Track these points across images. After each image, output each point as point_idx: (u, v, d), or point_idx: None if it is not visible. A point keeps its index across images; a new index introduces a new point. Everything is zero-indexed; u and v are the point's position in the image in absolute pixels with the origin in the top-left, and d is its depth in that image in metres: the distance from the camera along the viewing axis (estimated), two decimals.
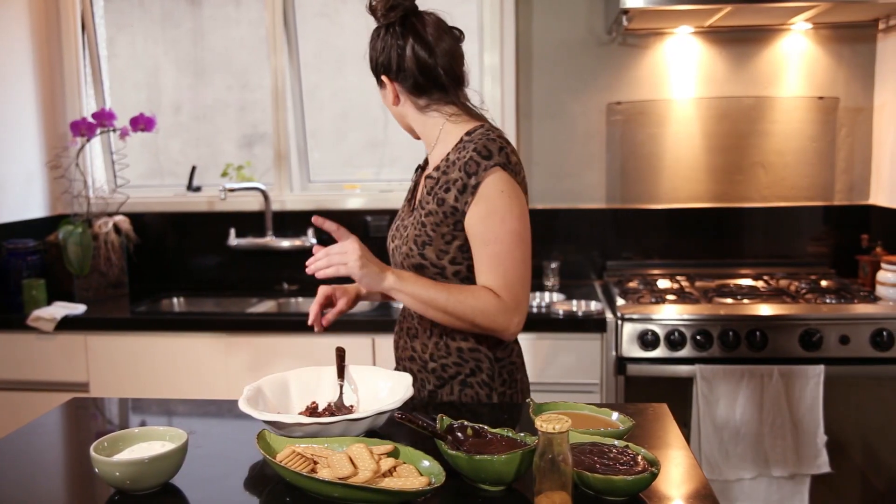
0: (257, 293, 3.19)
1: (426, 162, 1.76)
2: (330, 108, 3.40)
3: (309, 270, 1.52)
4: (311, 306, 1.73)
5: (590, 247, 3.16)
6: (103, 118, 3.05)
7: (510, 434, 1.26)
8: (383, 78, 1.63)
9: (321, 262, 1.51)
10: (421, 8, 1.63)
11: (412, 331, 1.69)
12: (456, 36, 1.63)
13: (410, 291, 1.53)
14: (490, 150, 1.54)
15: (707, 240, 3.11)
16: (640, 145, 3.09)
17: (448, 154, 1.60)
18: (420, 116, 1.66)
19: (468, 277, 1.60)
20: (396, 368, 1.76)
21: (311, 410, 1.50)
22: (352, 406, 1.54)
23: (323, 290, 1.75)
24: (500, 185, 1.53)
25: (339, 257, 1.49)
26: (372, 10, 1.61)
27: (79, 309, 2.82)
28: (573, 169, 3.14)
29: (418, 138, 1.72)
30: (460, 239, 1.57)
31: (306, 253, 3.21)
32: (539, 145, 3.15)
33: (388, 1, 1.58)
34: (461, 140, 1.60)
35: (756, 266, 3.07)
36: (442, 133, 1.65)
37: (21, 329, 2.75)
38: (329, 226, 1.53)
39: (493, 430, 1.27)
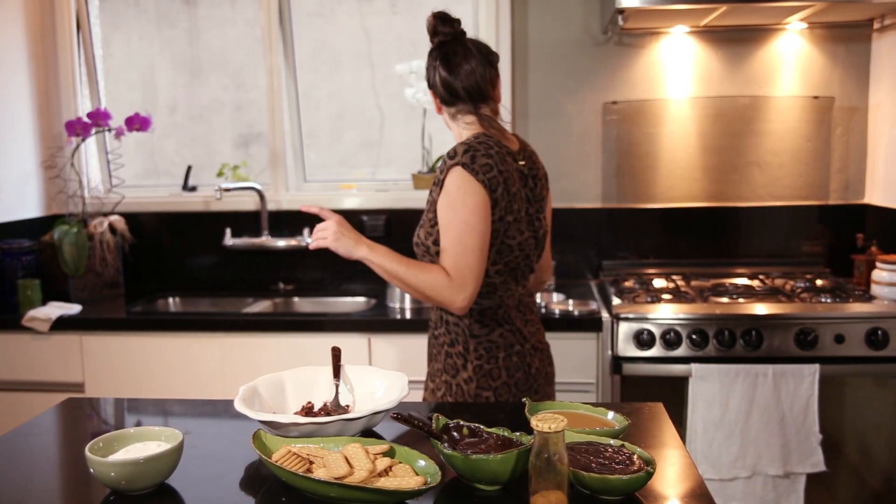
0: (253, 293, 3.19)
1: None
2: (326, 108, 3.40)
3: (311, 247, 1.90)
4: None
5: (586, 246, 3.17)
6: (98, 118, 3.04)
7: (506, 433, 1.26)
8: (429, 90, 1.97)
9: (311, 239, 1.90)
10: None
11: (426, 304, 2.01)
12: (486, 60, 1.92)
13: (378, 262, 1.85)
14: (457, 152, 1.82)
15: (703, 239, 3.12)
16: (636, 145, 3.10)
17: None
18: (451, 122, 1.97)
19: None
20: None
21: (307, 410, 1.50)
22: (347, 406, 1.54)
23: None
24: (458, 181, 1.79)
25: (321, 233, 1.88)
26: (430, 34, 1.97)
27: (74, 309, 2.81)
28: (569, 168, 3.15)
29: None
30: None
31: (302, 253, 3.22)
32: (535, 145, 3.13)
33: (431, 30, 1.93)
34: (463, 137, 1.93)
35: (751, 265, 3.08)
36: (459, 137, 1.95)
37: (16, 329, 2.74)
38: (313, 210, 1.94)
39: (489, 430, 1.27)
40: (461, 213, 1.78)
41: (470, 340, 1.89)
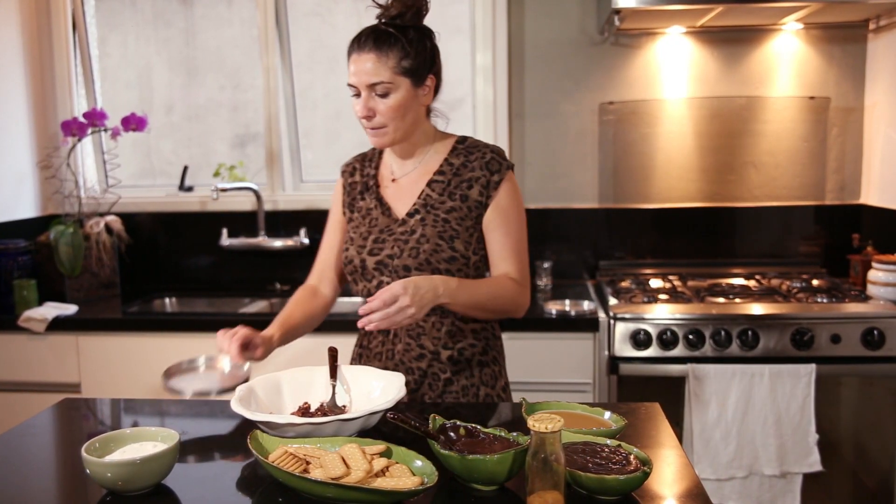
0: (249, 293, 3.18)
1: (369, 172, 1.87)
2: (322, 108, 3.40)
3: (370, 327, 1.52)
4: (231, 344, 1.59)
5: (582, 246, 3.17)
6: (94, 118, 3.04)
7: (503, 433, 1.26)
8: (431, 77, 1.72)
9: (380, 320, 1.51)
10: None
11: (416, 330, 1.74)
12: None
13: (462, 302, 1.62)
14: (503, 154, 1.78)
15: (699, 239, 3.12)
16: (632, 145, 3.10)
17: (446, 159, 1.77)
18: (424, 121, 1.78)
19: (483, 265, 1.78)
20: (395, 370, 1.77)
21: (304, 411, 1.50)
22: (344, 406, 1.54)
23: (244, 334, 1.62)
24: (515, 183, 1.77)
25: (400, 315, 1.51)
26: (408, 7, 1.70)
27: (70, 309, 2.81)
28: (565, 169, 3.15)
29: (386, 145, 1.74)
30: (479, 230, 1.75)
31: (298, 252, 3.22)
32: (531, 145, 3.15)
33: (416, 3, 1.70)
34: (455, 148, 1.79)
35: (748, 265, 3.08)
36: (434, 140, 1.80)
37: (12, 330, 2.74)
38: (374, 305, 1.51)
39: (486, 430, 1.27)
40: (522, 214, 1.77)
41: (495, 343, 1.83)
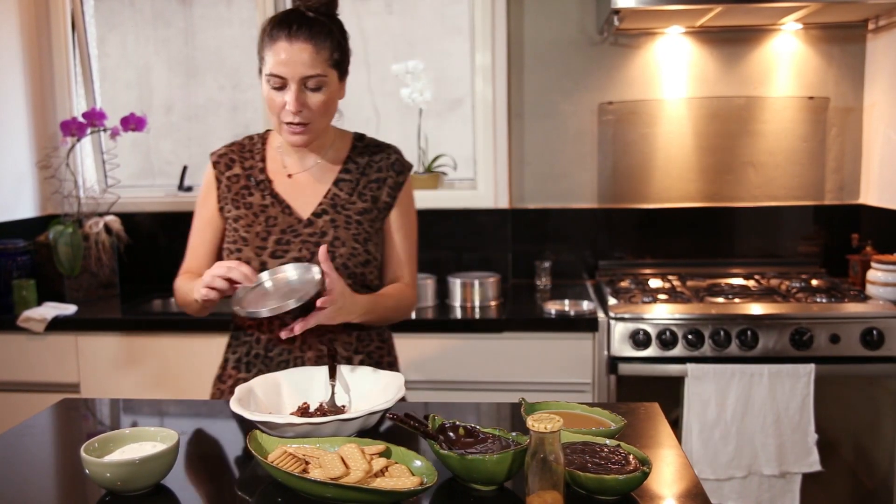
0: None
1: (258, 169, 1.74)
2: None
3: (298, 330, 1.52)
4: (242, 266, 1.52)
5: (581, 246, 3.17)
6: (94, 118, 3.03)
7: (502, 433, 1.26)
8: (343, 70, 1.64)
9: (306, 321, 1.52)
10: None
11: (328, 335, 1.69)
12: None
13: (370, 320, 1.65)
14: (402, 154, 1.76)
15: (698, 239, 3.12)
16: (631, 145, 3.10)
17: (350, 157, 1.72)
18: (335, 115, 1.69)
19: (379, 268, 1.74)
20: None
21: (303, 411, 1.50)
22: (343, 406, 1.54)
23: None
24: (412, 188, 1.77)
25: (324, 312, 1.52)
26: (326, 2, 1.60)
27: (69, 309, 2.81)
28: (565, 169, 3.15)
29: (307, 144, 1.65)
30: (382, 232, 1.73)
31: None
32: (531, 145, 3.15)
33: None
34: (355, 146, 1.74)
35: (747, 265, 3.08)
36: (334, 137, 1.74)
37: (11, 330, 2.74)
38: (325, 262, 1.52)
39: (485, 430, 1.27)
40: (416, 217, 1.78)
41: (392, 343, 1.84)
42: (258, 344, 1.71)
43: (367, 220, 1.68)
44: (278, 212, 1.68)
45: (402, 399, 1.58)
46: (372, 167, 1.72)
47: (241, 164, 1.73)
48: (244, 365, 1.72)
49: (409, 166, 1.75)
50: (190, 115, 3.45)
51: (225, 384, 1.75)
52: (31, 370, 2.76)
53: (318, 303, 1.50)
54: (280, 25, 1.55)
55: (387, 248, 1.74)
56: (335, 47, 1.58)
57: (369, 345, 1.74)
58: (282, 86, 1.56)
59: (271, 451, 1.24)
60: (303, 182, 1.71)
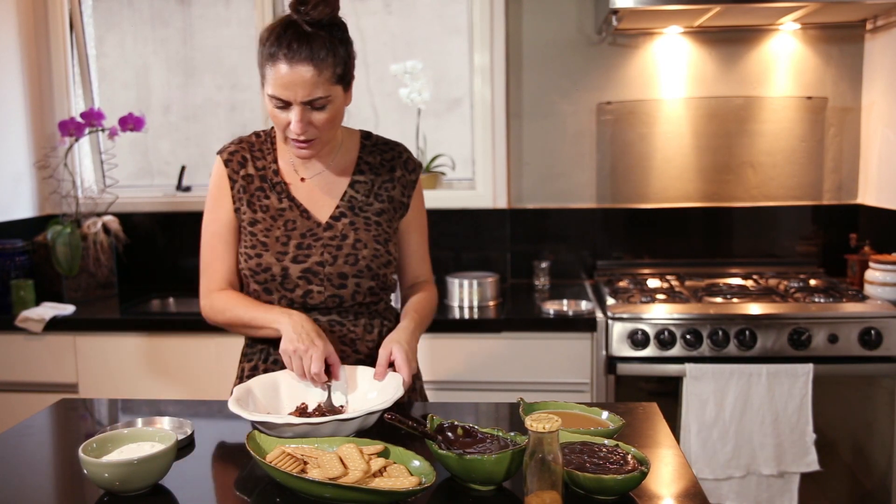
0: None
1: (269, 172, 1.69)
2: None
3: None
4: (315, 364, 1.49)
5: (580, 246, 3.17)
6: (92, 118, 3.03)
7: (500, 433, 1.26)
8: (348, 80, 1.57)
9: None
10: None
11: (349, 335, 1.67)
12: None
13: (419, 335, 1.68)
14: (411, 151, 1.76)
15: (697, 239, 3.12)
16: (630, 145, 3.10)
17: (361, 157, 1.70)
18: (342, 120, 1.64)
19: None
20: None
21: (301, 411, 1.50)
22: (341, 406, 1.54)
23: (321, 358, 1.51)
24: (422, 183, 1.79)
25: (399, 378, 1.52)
26: (326, 2, 1.50)
27: (67, 309, 2.81)
28: (563, 169, 3.15)
29: (313, 156, 1.60)
30: (398, 232, 1.73)
31: None
32: (529, 145, 3.15)
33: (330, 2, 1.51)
34: (363, 145, 1.71)
35: (745, 265, 3.09)
36: (343, 138, 1.70)
37: (9, 330, 2.73)
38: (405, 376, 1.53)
39: (484, 430, 1.27)
40: (426, 216, 1.80)
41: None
42: (276, 351, 1.63)
43: (385, 220, 1.67)
44: (297, 215, 1.64)
45: (401, 399, 1.58)
46: (384, 167, 1.70)
47: (254, 163, 1.68)
48: (261, 373, 1.68)
49: (419, 164, 1.76)
50: (188, 115, 3.44)
51: None
52: (30, 370, 2.76)
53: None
54: (279, 43, 1.47)
55: (404, 246, 1.75)
56: (338, 63, 1.50)
57: (376, 338, 1.73)
58: (283, 105, 1.51)
59: (270, 452, 1.24)
60: (316, 185, 1.67)
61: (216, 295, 1.71)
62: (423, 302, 1.74)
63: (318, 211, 1.65)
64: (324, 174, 1.68)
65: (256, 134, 1.72)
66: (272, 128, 1.72)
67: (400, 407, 1.61)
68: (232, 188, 1.67)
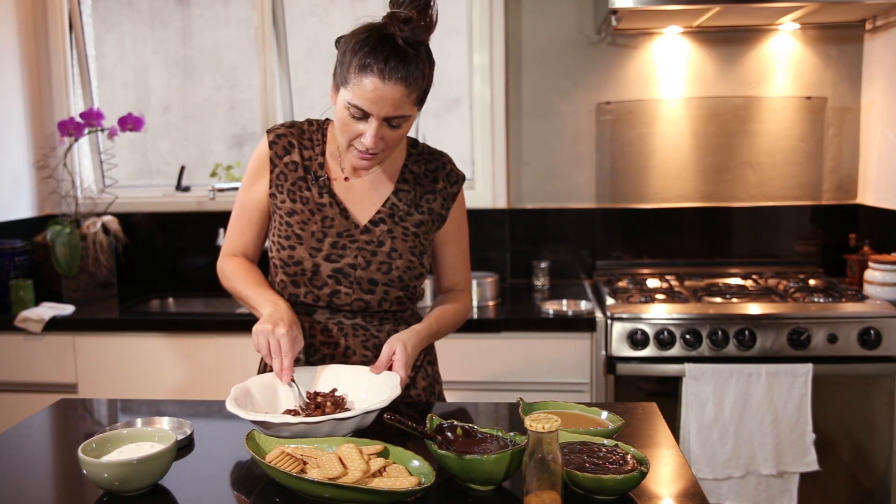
0: None
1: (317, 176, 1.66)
2: (319, 108, 3.39)
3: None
4: (283, 358, 1.48)
5: (579, 246, 3.17)
6: (91, 118, 3.03)
7: (500, 433, 1.26)
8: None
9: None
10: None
11: (372, 340, 1.67)
12: None
13: (431, 342, 1.72)
14: (455, 163, 1.72)
15: (696, 239, 3.12)
16: (629, 145, 3.10)
17: (406, 166, 1.67)
18: None
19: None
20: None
21: (296, 411, 1.49)
22: (318, 395, 1.51)
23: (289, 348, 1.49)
24: (463, 192, 1.75)
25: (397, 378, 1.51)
26: (427, 25, 1.46)
27: (67, 310, 2.80)
28: (563, 169, 3.15)
29: (364, 163, 1.56)
30: (433, 244, 1.71)
31: None
32: (528, 145, 3.15)
33: (428, 15, 1.45)
34: (409, 153, 1.69)
35: (745, 265, 3.09)
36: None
37: (9, 330, 2.73)
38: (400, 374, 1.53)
39: (483, 430, 1.27)
40: (467, 225, 1.78)
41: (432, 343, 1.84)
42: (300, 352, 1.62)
43: (422, 232, 1.65)
44: (336, 213, 1.62)
45: (399, 399, 1.57)
46: (427, 177, 1.67)
47: (300, 152, 1.65)
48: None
49: (462, 177, 1.72)
50: (187, 115, 3.44)
51: None
52: (29, 370, 2.76)
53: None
54: (374, 55, 1.43)
55: (439, 255, 1.74)
56: (425, 85, 1.50)
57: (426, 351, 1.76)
58: (363, 116, 1.48)
59: (269, 452, 1.24)
60: (360, 187, 1.65)
61: (229, 259, 1.70)
62: (450, 312, 1.72)
63: (359, 212, 1.63)
64: (368, 177, 1.65)
65: (309, 122, 1.69)
66: (326, 119, 1.71)
67: (417, 408, 1.62)
68: (271, 172, 1.65)
